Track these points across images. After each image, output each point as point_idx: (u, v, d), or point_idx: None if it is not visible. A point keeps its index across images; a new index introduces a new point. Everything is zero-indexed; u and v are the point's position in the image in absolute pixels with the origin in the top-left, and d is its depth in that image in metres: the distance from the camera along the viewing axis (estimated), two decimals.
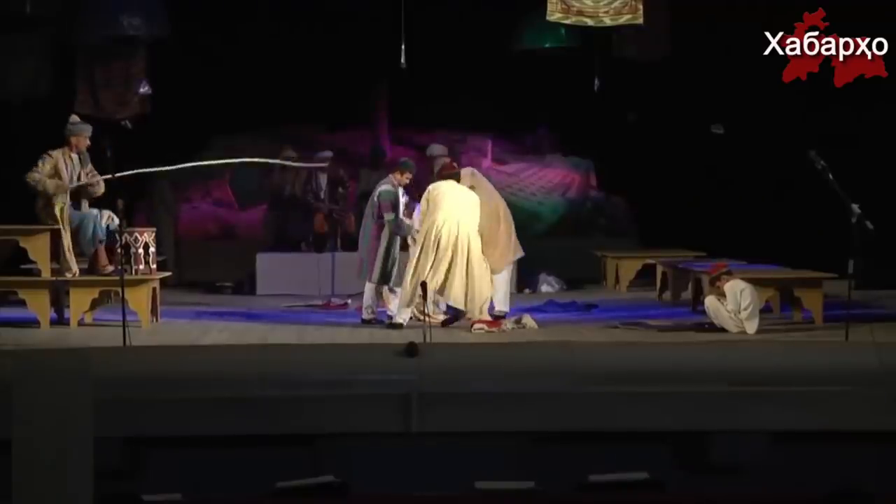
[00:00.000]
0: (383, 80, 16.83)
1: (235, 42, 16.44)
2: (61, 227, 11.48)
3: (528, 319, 11.62)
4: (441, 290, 11.46)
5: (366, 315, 12.00)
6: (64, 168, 11.59)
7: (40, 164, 11.53)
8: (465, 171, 12.23)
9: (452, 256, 11.41)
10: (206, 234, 17.87)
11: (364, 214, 12.40)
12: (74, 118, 11.96)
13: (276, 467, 8.21)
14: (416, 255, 11.50)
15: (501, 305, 11.80)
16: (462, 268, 11.42)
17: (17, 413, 6.66)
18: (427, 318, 10.32)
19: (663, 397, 8.48)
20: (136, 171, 12.07)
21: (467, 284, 11.41)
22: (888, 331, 10.64)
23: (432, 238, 11.40)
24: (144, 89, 14.80)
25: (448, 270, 11.41)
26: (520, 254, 12.05)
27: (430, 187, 11.77)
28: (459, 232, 11.44)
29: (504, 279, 11.90)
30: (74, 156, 11.71)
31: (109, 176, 11.23)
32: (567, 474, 8.16)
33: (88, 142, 11.75)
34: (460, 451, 8.39)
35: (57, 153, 11.62)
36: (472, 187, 11.84)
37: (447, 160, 12.61)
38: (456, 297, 11.42)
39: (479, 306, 11.47)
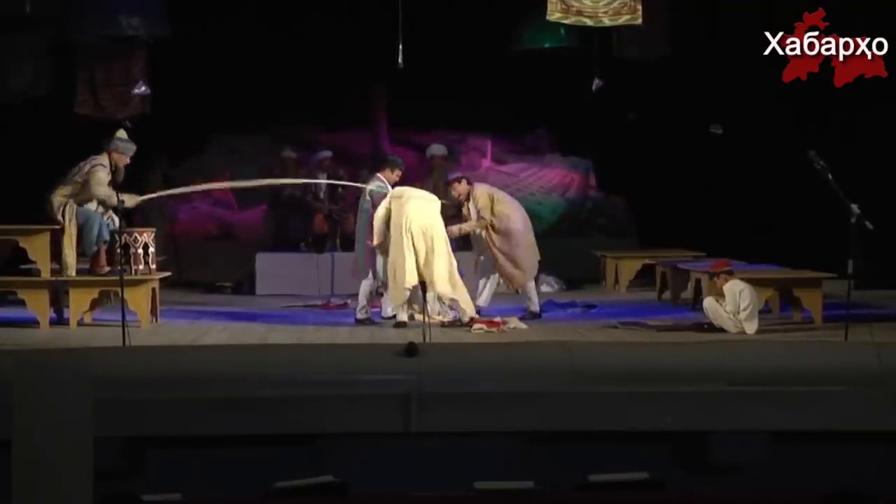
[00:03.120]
0: (382, 80, 16.83)
1: (235, 42, 16.44)
2: (66, 225, 11.45)
3: (515, 322, 11.59)
4: (431, 285, 11.45)
5: (360, 315, 11.98)
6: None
7: (101, 174, 11.41)
8: (483, 189, 12.54)
9: (429, 250, 11.39)
10: (206, 234, 17.87)
11: (359, 213, 12.40)
12: (122, 133, 11.81)
13: (276, 467, 8.21)
14: (395, 255, 11.45)
15: (535, 307, 12.41)
16: (442, 259, 11.39)
17: (17, 413, 6.66)
18: (427, 318, 10.31)
19: (663, 397, 8.48)
20: (146, 197, 12.11)
21: (449, 274, 11.41)
22: (888, 331, 10.63)
23: (408, 236, 11.39)
24: (141, 90, 14.79)
25: (427, 263, 11.37)
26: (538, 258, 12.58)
27: (394, 190, 11.83)
28: (428, 226, 11.41)
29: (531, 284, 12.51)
30: (108, 168, 11.63)
31: (121, 199, 11.22)
32: (567, 474, 8.16)
33: (129, 161, 11.67)
34: (460, 451, 8.40)
35: (104, 163, 11.54)
36: (493, 202, 12.25)
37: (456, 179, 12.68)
38: (443, 289, 11.41)
39: (464, 298, 11.47)
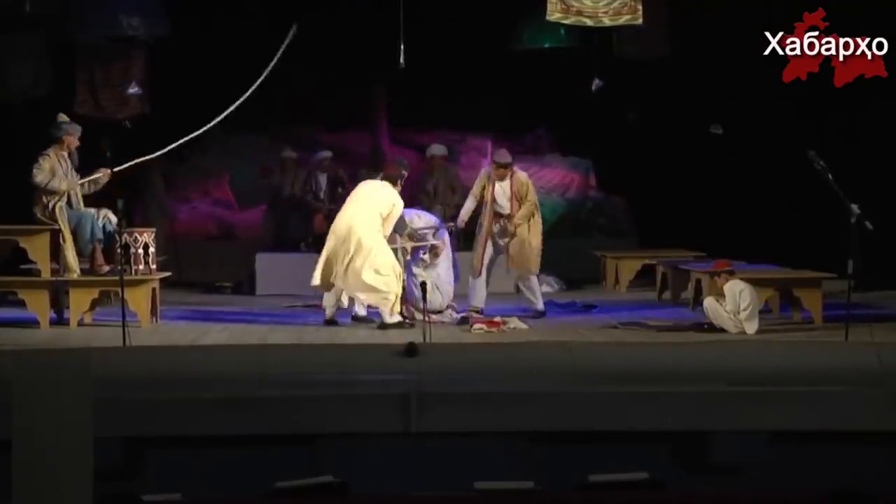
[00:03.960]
0: (382, 80, 16.83)
1: (235, 42, 16.42)
2: (61, 227, 11.46)
3: (516, 322, 11.59)
4: (328, 287, 11.56)
5: (360, 311, 11.97)
6: (59, 168, 11.57)
7: (42, 162, 11.49)
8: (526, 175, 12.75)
9: (342, 255, 11.42)
10: (206, 234, 17.86)
11: None
12: (63, 117, 11.88)
13: (276, 467, 8.21)
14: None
15: (540, 305, 12.42)
16: (355, 265, 11.39)
17: (17, 413, 6.66)
18: (427, 318, 10.31)
19: (663, 397, 8.49)
20: (134, 161, 12.07)
21: (361, 280, 11.39)
22: (888, 331, 10.63)
23: (330, 237, 11.59)
24: (134, 90, 14.78)
25: (338, 268, 11.45)
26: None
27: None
28: (350, 231, 11.46)
29: (535, 279, 12.53)
30: (65, 154, 11.69)
31: (109, 171, 11.23)
32: (567, 474, 8.16)
33: (78, 141, 11.73)
34: (460, 451, 8.40)
35: (52, 153, 11.59)
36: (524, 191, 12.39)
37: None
38: (352, 291, 11.49)
39: (382, 300, 11.42)
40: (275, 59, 12.08)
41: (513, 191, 12.42)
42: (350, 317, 11.95)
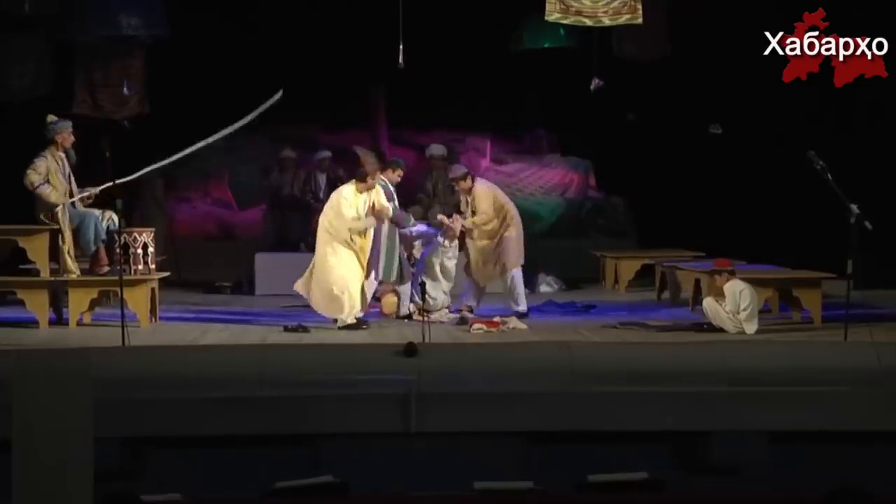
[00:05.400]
0: (382, 80, 16.82)
1: (235, 42, 16.44)
2: (62, 228, 11.45)
3: (515, 322, 11.57)
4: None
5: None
6: (57, 169, 11.54)
7: (37, 163, 11.46)
8: (485, 187, 12.57)
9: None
10: (206, 234, 17.84)
11: None
12: (52, 117, 11.79)
13: (276, 467, 8.22)
14: None
15: (522, 306, 12.26)
16: (316, 271, 11.47)
17: (17, 413, 6.66)
18: (426, 318, 10.31)
19: (663, 397, 8.50)
20: (133, 176, 12.03)
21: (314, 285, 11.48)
22: (887, 331, 10.63)
23: None
24: (125, 91, 14.76)
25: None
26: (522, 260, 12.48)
27: None
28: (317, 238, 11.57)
29: (519, 279, 12.31)
30: (61, 154, 11.64)
31: (110, 183, 11.20)
32: (567, 474, 8.17)
33: (72, 137, 11.69)
34: (459, 451, 8.41)
35: (48, 155, 11.55)
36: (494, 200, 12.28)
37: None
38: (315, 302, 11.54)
39: (326, 307, 11.48)
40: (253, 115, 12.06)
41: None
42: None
